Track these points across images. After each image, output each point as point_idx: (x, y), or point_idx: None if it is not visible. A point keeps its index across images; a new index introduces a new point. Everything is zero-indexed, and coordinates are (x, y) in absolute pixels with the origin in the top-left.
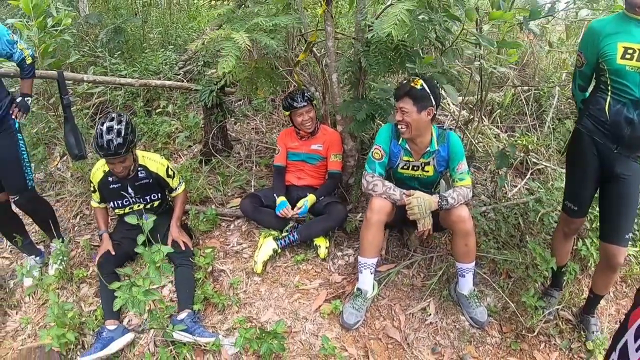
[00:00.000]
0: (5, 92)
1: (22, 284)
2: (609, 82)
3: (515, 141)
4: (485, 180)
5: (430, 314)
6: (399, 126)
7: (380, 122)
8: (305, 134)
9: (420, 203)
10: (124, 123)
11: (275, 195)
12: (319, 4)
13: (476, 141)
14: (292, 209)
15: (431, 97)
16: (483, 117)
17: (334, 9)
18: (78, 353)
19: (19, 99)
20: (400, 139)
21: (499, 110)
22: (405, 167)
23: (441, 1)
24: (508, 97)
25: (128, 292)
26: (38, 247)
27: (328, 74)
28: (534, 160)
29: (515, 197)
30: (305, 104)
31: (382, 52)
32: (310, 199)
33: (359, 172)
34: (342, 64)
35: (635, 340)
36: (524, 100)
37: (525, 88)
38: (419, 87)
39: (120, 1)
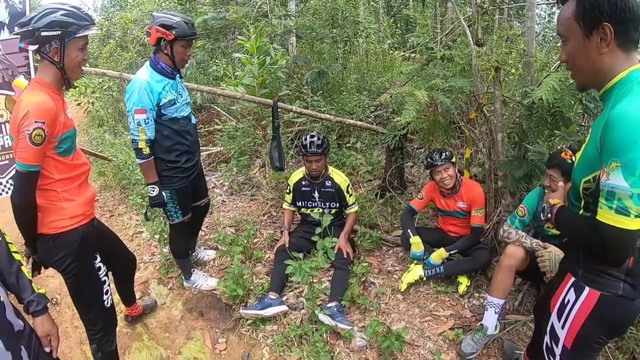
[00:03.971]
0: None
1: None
2: None
3: None
4: None
5: None
6: (547, 190)
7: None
8: (446, 191)
9: (552, 257)
10: (322, 136)
11: (409, 231)
12: (490, 69)
13: None
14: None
15: None
16: None
17: (503, 75)
18: (240, 307)
19: None
20: None
21: None
22: (550, 226)
23: None
24: None
25: (298, 264)
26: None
27: (494, 132)
28: None
29: None
30: (442, 162)
31: (542, 116)
32: (441, 254)
33: None
34: (507, 125)
35: (559, 320)
36: None
37: None
38: (568, 160)
39: (323, 47)
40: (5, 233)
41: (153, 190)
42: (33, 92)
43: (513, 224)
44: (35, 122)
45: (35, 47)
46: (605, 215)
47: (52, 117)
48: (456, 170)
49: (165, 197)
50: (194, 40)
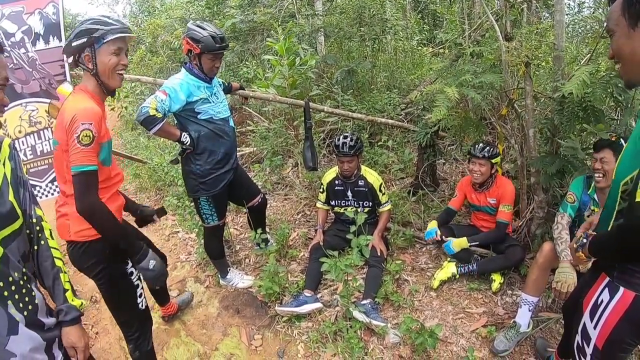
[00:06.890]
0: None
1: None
2: None
3: None
4: None
5: None
6: (596, 175)
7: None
8: (476, 184)
9: (566, 278)
10: (355, 137)
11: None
12: (520, 65)
13: None
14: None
15: None
16: None
17: (533, 69)
18: (275, 305)
19: None
20: (590, 189)
21: None
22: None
23: None
24: None
25: (333, 262)
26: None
27: (526, 128)
28: None
29: None
30: (481, 156)
31: (574, 111)
32: (461, 242)
33: (547, 225)
34: (539, 120)
35: (591, 320)
36: None
37: None
38: (618, 142)
39: (352, 45)
40: (53, 237)
41: (186, 138)
42: (77, 99)
43: (566, 211)
44: (82, 124)
45: (71, 58)
46: None
47: (99, 119)
48: (492, 171)
49: (194, 143)
50: (223, 52)
